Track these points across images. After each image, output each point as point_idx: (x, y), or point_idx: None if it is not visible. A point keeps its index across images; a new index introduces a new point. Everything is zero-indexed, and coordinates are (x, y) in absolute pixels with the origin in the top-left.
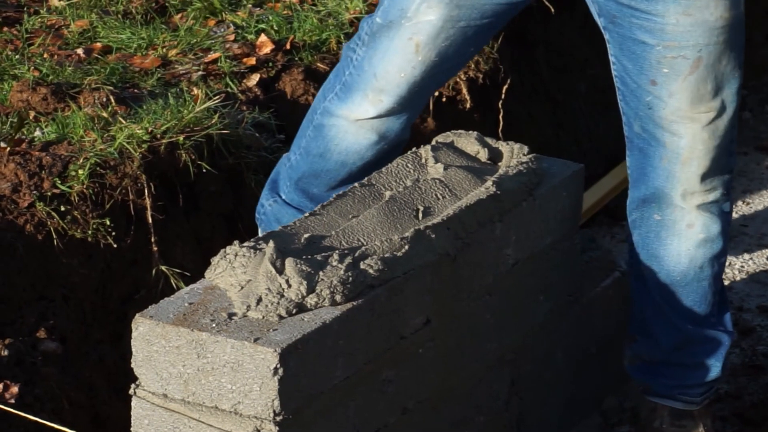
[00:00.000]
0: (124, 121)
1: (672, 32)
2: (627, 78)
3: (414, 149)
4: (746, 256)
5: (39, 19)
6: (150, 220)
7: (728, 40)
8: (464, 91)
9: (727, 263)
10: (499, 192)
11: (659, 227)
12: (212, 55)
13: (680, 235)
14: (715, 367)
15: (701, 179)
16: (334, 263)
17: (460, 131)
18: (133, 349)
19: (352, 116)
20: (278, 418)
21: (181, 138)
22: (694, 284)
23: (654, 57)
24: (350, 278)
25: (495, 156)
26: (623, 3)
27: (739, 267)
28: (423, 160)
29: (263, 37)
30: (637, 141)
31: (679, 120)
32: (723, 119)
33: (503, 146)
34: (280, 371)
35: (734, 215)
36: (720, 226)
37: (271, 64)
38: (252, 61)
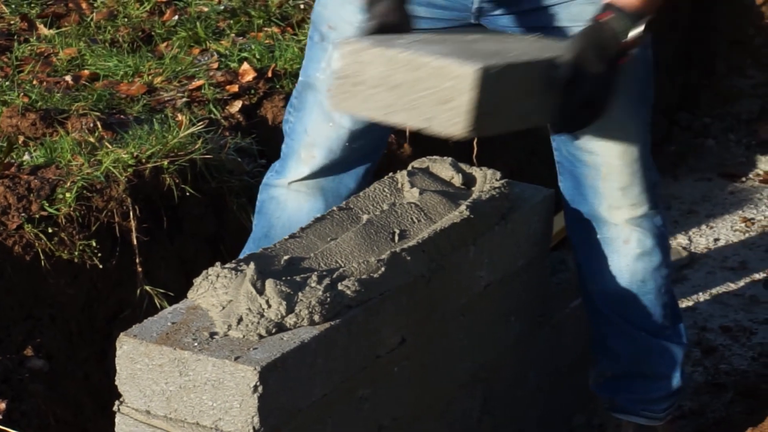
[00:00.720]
0: (110, 146)
1: None
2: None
3: (390, 174)
4: (709, 277)
5: (29, 47)
6: (135, 242)
7: (630, 70)
8: None
9: (691, 285)
10: (472, 216)
11: (598, 246)
12: (196, 83)
13: (618, 252)
14: (674, 378)
15: (623, 193)
16: (313, 284)
17: (435, 157)
18: (117, 367)
19: (286, 181)
20: None
21: (165, 162)
22: (640, 298)
23: None
24: (328, 299)
25: (469, 181)
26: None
27: (702, 288)
28: (399, 185)
29: (246, 66)
30: (566, 164)
31: (595, 138)
32: (637, 136)
33: (477, 172)
34: (260, 389)
35: (699, 239)
36: (654, 240)
37: (253, 92)
38: (235, 88)
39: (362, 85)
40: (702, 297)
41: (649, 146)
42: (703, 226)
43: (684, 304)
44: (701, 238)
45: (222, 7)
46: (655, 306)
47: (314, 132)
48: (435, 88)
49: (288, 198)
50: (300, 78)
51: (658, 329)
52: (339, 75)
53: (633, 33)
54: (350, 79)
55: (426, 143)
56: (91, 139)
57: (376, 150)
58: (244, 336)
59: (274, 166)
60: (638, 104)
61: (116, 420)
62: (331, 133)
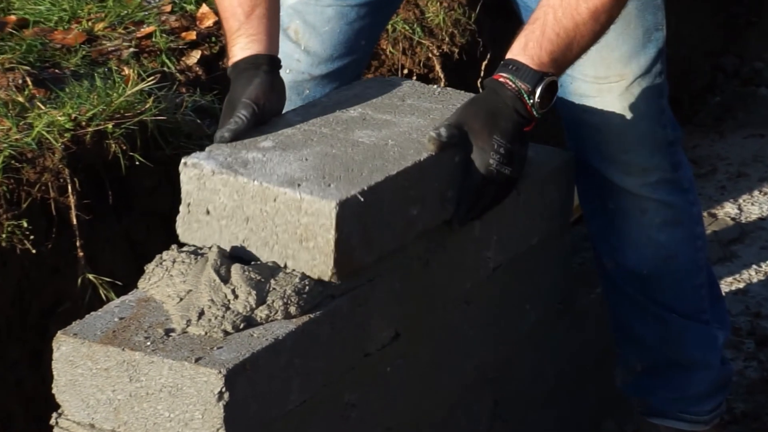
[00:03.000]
0: (43, 107)
1: None
2: None
3: None
4: (763, 253)
5: None
6: (74, 222)
7: (629, 7)
8: (437, 68)
9: (742, 263)
10: None
11: (613, 216)
12: (146, 29)
13: (636, 223)
14: (715, 368)
15: (631, 158)
16: (288, 270)
17: None
18: (55, 372)
19: None
20: None
21: (109, 126)
22: (668, 277)
23: None
24: (307, 287)
25: None
26: None
27: (756, 267)
28: None
29: (205, 8)
30: (568, 122)
31: (587, 93)
32: (639, 87)
33: None
34: (226, 396)
35: (751, 207)
36: (677, 207)
37: (214, 39)
38: (192, 35)
39: (212, 216)
40: (755, 277)
41: (663, 98)
42: (756, 192)
43: (733, 285)
44: (753, 207)
45: None
46: (686, 284)
47: None
48: (290, 224)
49: None
50: None
51: (691, 311)
52: (185, 202)
53: (538, 94)
54: (198, 208)
55: None
56: (20, 99)
57: None
58: (206, 333)
59: None
60: (641, 49)
61: None
62: (288, 80)
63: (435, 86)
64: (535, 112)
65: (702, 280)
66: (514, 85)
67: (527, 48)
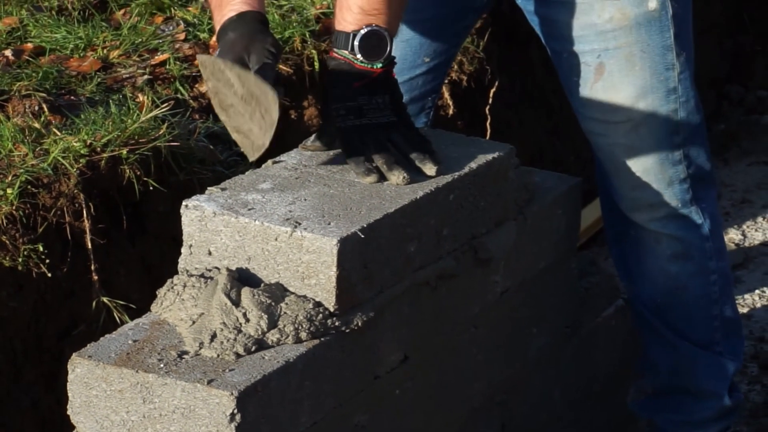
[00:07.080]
0: (59, 133)
1: (569, 38)
2: (564, 89)
3: None
4: (767, 279)
5: None
6: (89, 245)
7: (637, 41)
8: (446, 95)
9: (746, 288)
10: None
11: (632, 244)
12: (160, 57)
13: (652, 252)
14: (723, 397)
15: (638, 194)
16: (300, 294)
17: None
18: (70, 394)
19: None
20: None
21: (124, 151)
22: (680, 307)
23: (565, 65)
24: (319, 313)
25: None
26: (530, 10)
27: (759, 292)
28: None
29: None
30: (592, 148)
31: (596, 132)
32: (647, 127)
33: None
34: (238, 417)
35: (755, 234)
36: (691, 242)
37: None
38: None
39: (213, 256)
40: (758, 302)
41: (678, 134)
42: (759, 219)
43: None
44: (757, 233)
45: None
46: (697, 316)
47: None
48: (292, 262)
49: None
50: None
51: (705, 341)
52: (187, 243)
53: (357, 50)
54: (200, 249)
55: (430, 125)
56: (36, 125)
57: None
58: (218, 355)
59: None
60: (649, 90)
61: None
62: None
63: (424, 127)
64: (369, 66)
65: (715, 312)
66: (338, 54)
67: (337, 15)
